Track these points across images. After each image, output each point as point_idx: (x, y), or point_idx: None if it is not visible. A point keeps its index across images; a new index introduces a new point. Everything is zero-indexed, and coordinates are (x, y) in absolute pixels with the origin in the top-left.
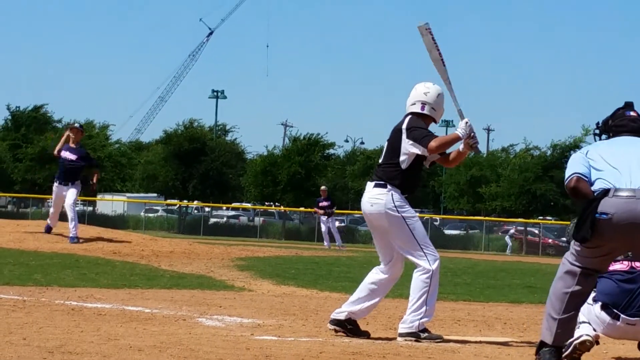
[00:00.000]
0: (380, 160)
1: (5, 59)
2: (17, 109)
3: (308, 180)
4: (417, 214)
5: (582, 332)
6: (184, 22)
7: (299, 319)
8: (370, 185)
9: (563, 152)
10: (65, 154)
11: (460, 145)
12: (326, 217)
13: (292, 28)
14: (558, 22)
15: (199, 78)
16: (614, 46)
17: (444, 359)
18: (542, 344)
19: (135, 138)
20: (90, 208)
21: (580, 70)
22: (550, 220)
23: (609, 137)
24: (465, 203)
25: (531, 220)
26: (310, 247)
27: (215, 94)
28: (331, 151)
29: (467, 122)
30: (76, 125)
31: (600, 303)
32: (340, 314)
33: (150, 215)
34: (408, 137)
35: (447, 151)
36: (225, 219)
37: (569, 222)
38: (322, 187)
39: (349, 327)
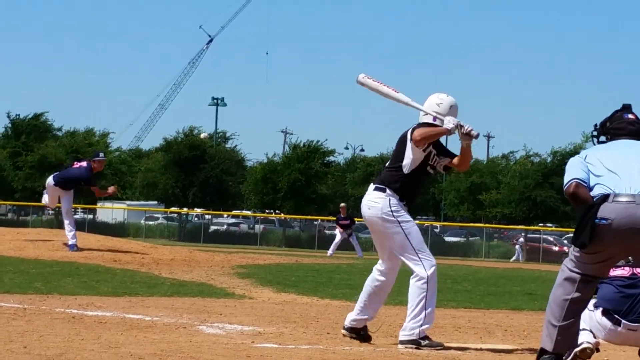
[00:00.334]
0: (387, 163)
1: (6, 67)
2: (17, 117)
3: (308, 187)
4: (415, 220)
5: (583, 339)
6: (183, 29)
7: (299, 326)
8: (370, 188)
9: (563, 159)
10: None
11: (462, 141)
12: (346, 234)
13: (292, 35)
14: (558, 28)
15: (199, 85)
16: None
17: None
18: (542, 351)
19: (135, 146)
20: (91, 216)
21: (580, 76)
22: (551, 227)
23: (607, 140)
24: (466, 210)
25: (532, 227)
26: (310, 254)
27: (215, 101)
28: (331, 158)
29: (449, 117)
30: (101, 155)
31: (601, 309)
32: (356, 322)
33: (151, 223)
34: (410, 140)
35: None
36: (225, 226)
37: (569, 229)
38: (342, 205)
39: (362, 333)
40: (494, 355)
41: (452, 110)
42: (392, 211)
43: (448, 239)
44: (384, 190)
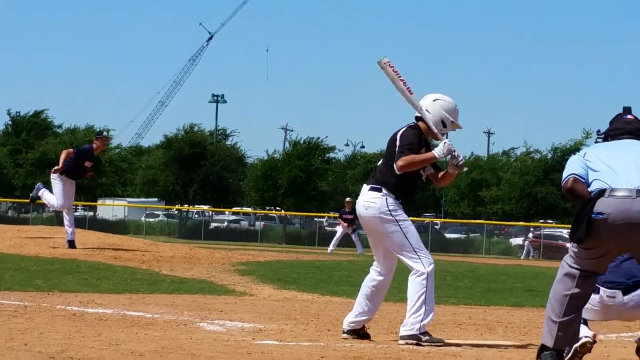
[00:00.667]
0: (379, 162)
1: (6, 64)
2: (18, 114)
3: (308, 184)
4: (419, 218)
5: (581, 334)
6: (183, 26)
7: (300, 323)
8: (365, 188)
9: (564, 155)
10: (88, 164)
11: (449, 168)
12: (350, 229)
13: (292, 32)
14: (559, 25)
15: (199, 82)
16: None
17: None
18: (543, 348)
19: (136, 143)
20: (91, 213)
21: (581, 73)
22: (551, 223)
23: (607, 141)
24: (466, 206)
25: (532, 224)
26: (311, 251)
27: (215, 98)
28: (331, 155)
29: (445, 143)
30: (104, 133)
31: None
32: (355, 323)
33: (151, 220)
34: (398, 145)
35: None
36: (225, 223)
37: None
38: (347, 199)
39: (362, 332)
40: (494, 351)
41: (436, 104)
42: (389, 210)
43: (448, 235)
44: (379, 190)
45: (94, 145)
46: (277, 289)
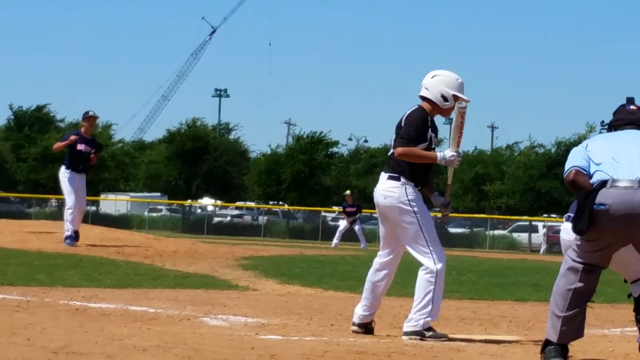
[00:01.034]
0: (390, 151)
1: (8, 58)
2: (20, 108)
3: (312, 178)
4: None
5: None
6: (186, 20)
7: (303, 318)
8: (384, 177)
9: (568, 150)
10: (81, 147)
11: (438, 198)
12: (353, 222)
13: (295, 26)
14: (563, 18)
15: (201, 77)
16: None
17: (449, 357)
18: (547, 342)
19: (139, 137)
20: (94, 208)
21: (584, 67)
22: (555, 217)
23: (610, 131)
24: (470, 201)
25: (535, 218)
26: (314, 245)
27: (218, 92)
28: (335, 149)
29: (454, 159)
30: (90, 113)
31: (568, 215)
32: (364, 317)
33: (154, 214)
34: (403, 126)
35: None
36: (229, 218)
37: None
38: (347, 193)
39: (370, 327)
40: (498, 346)
41: (434, 80)
42: (409, 200)
43: (452, 230)
44: (398, 179)
45: (82, 129)
46: (281, 283)
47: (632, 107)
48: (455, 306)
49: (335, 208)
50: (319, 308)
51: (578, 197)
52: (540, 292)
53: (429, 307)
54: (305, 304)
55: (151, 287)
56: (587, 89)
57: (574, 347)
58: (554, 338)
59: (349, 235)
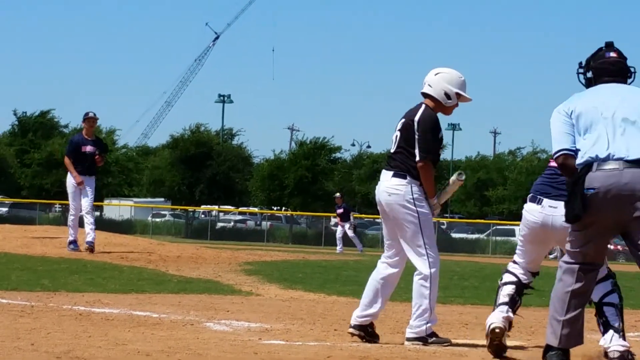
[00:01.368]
0: (393, 149)
1: (12, 64)
2: (24, 114)
3: (315, 184)
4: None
5: (491, 319)
6: (190, 26)
7: (306, 323)
8: (388, 174)
9: None
10: (86, 149)
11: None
12: (344, 223)
13: (298, 32)
14: (566, 22)
15: (205, 82)
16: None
17: None
18: (548, 348)
19: (142, 143)
20: (98, 213)
21: None
22: None
23: (590, 81)
24: (472, 206)
25: None
26: (317, 251)
27: (221, 98)
28: (338, 155)
29: (437, 204)
30: (90, 114)
31: (530, 196)
32: (362, 319)
33: (157, 220)
34: (417, 131)
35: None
36: (232, 223)
37: None
38: (337, 195)
39: (369, 330)
40: None
41: (437, 77)
42: (413, 199)
43: (454, 235)
44: (404, 177)
45: (84, 131)
46: (284, 288)
47: (612, 54)
48: (458, 311)
49: (317, 214)
50: (322, 313)
51: (568, 181)
52: (543, 298)
53: (428, 313)
54: (308, 309)
55: (155, 292)
56: None
57: (574, 350)
58: (554, 343)
59: (350, 241)
